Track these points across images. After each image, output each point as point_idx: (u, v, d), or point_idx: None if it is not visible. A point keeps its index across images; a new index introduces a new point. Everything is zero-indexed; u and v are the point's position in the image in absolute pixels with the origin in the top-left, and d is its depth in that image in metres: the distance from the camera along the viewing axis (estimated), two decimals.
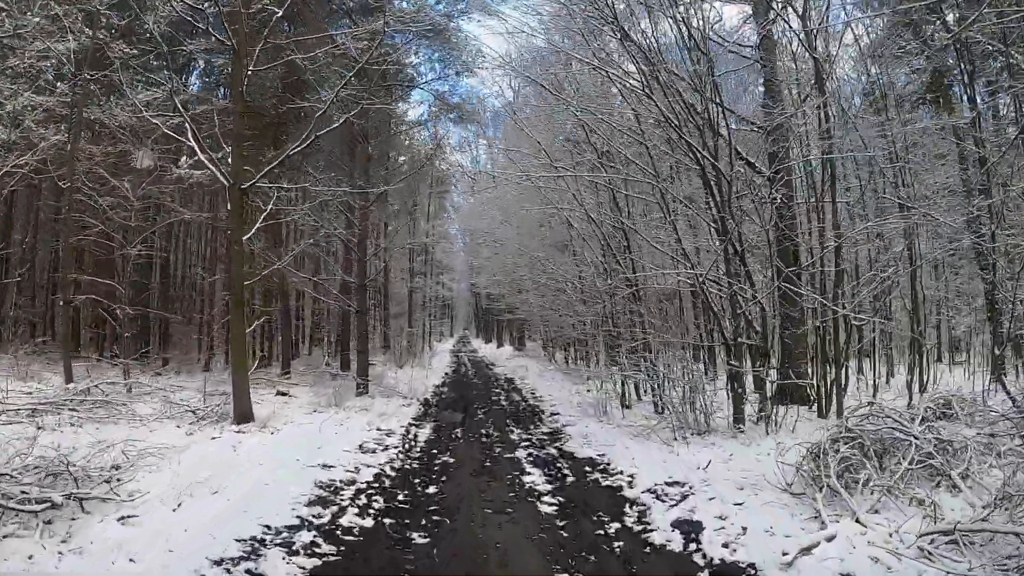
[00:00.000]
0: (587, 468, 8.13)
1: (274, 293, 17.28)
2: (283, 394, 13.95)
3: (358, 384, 13.75)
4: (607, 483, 7.38)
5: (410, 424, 11.29)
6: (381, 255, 26.99)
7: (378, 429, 10.41)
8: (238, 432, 9.62)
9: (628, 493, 6.91)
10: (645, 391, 13.84)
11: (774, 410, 9.44)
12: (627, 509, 6.36)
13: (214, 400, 11.56)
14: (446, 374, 21.99)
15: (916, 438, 6.56)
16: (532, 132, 13.28)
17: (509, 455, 8.95)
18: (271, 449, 8.70)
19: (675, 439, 9.27)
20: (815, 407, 10.55)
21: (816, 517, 5.67)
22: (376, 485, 7.17)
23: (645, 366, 11.01)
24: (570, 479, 7.67)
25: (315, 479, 7.04)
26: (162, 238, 22.39)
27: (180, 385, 17.39)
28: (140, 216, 15.39)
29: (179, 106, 10.37)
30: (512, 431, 10.99)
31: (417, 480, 7.51)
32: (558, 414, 12.63)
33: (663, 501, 6.46)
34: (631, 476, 7.49)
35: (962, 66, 12.76)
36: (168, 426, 10.02)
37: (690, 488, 6.76)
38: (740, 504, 6.10)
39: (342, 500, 6.45)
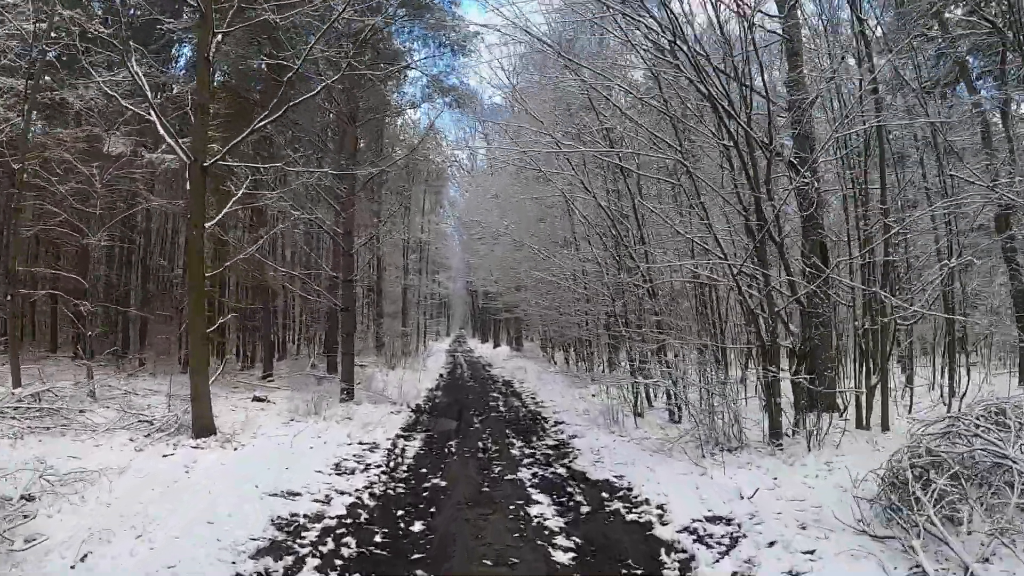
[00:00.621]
0: (604, 495, 6.73)
1: (258, 289, 15.85)
2: (260, 400, 12.51)
3: (343, 389, 12.33)
4: (632, 517, 5.97)
5: (398, 436, 9.87)
6: (373, 250, 25.55)
7: (360, 443, 8.99)
8: (195, 448, 8.19)
9: (661, 532, 5.50)
10: (656, 396, 12.45)
11: (817, 422, 8.06)
12: (664, 557, 4.96)
13: (180, 407, 10.11)
14: (440, 376, 20.55)
15: (1015, 462, 5.18)
16: (535, 111, 11.87)
17: (511, 476, 7.54)
18: (231, 469, 7.29)
19: (703, 456, 7.89)
20: (845, 414, 9.16)
21: (918, 571, 4.30)
22: (349, 521, 5.74)
23: (663, 370, 9.62)
24: (585, 509, 6.27)
25: (273, 513, 5.63)
26: (142, 233, 20.96)
27: (153, 389, 15.94)
28: (108, 204, 13.94)
29: (137, 76, 8.94)
30: (513, 444, 9.59)
31: (401, 512, 6.09)
32: (563, 423, 11.23)
33: (708, 546, 5.06)
34: (661, 507, 6.09)
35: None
36: (119, 439, 8.58)
37: (738, 527, 5.38)
38: (811, 553, 4.71)
39: (302, 545, 5.02)
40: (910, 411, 9.85)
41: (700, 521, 5.59)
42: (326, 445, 8.73)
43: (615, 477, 7.35)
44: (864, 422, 9.01)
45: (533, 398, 14.93)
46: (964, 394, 10.90)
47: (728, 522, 5.56)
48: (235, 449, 8.26)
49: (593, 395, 14.49)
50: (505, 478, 7.41)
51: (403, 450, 8.95)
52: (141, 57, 10.71)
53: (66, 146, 13.68)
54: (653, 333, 11.00)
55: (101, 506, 5.81)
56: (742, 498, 6.19)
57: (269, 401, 12.35)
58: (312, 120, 13.17)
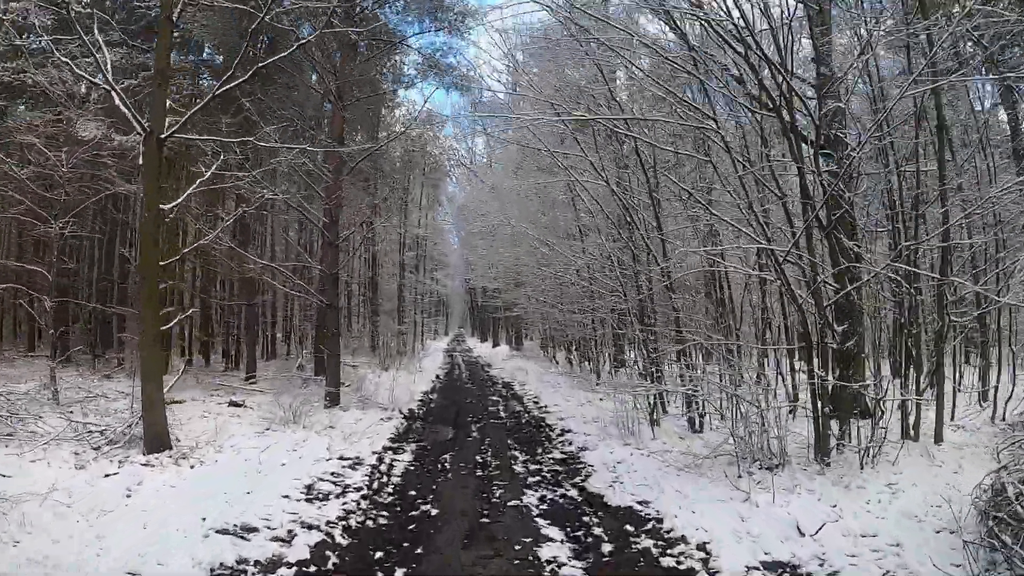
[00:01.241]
0: (629, 528, 5.48)
1: (244, 285, 14.59)
2: (236, 405, 11.25)
3: (327, 394, 11.06)
4: (669, 562, 4.72)
5: (385, 448, 8.61)
6: (368, 246, 24.28)
7: (341, 458, 7.73)
8: (145, 465, 6.93)
9: None
10: (670, 402, 11.20)
11: (872, 434, 6.83)
12: None
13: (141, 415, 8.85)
14: (437, 377, 19.27)
15: None
16: (539, 87, 10.65)
17: (514, 501, 6.29)
18: (180, 494, 6.04)
19: (739, 475, 6.66)
20: (881, 421, 7.92)
21: None
22: (312, 571, 4.48)
23: (688, 374, 8.39)
24: (607, 548, 5.03)
25: (215, 560, 4.38)
26: (120, 225, 19.67)
27: (125, 391, 14.69)
28: (76, 191, 12.67)
29: (95, 45, 7.69)
30: (515, 458, 8.34)
31: (379, 554, 4.83)
32: (570, 431, 9.99)
33: None
34: (703, 548, 4.85)
35: None
36: (62, 452, 7.33)
37: None
38: None
39: None
40: (952, 418, 8.65)
41: (758, 570, 4.36)
42: (301, 461, 7.48)
43: (639, 504, 6.11)
44: (911, 432, 7.76)
45: (536, 402, 13.68)
46: (1009, 396, 9.65)
47: (794, 571, 4.33)
48: (192, 467, 7.00)
49: (601, 399, 13.25)
50: (508, 504, 6.16)
51: (390, 466, 7.69)
52: (105, 26, 9.53)
53: (37, 131, 12.45)
54: (671, 331, 9.77)
55: None
56: (802, 535, 4.96)
57: (246, 407, 11.09)
58: (294, 98, 11.90)
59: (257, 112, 10.65)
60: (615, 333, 16.97)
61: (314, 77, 11.74)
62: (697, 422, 9.48)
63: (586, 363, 19.23)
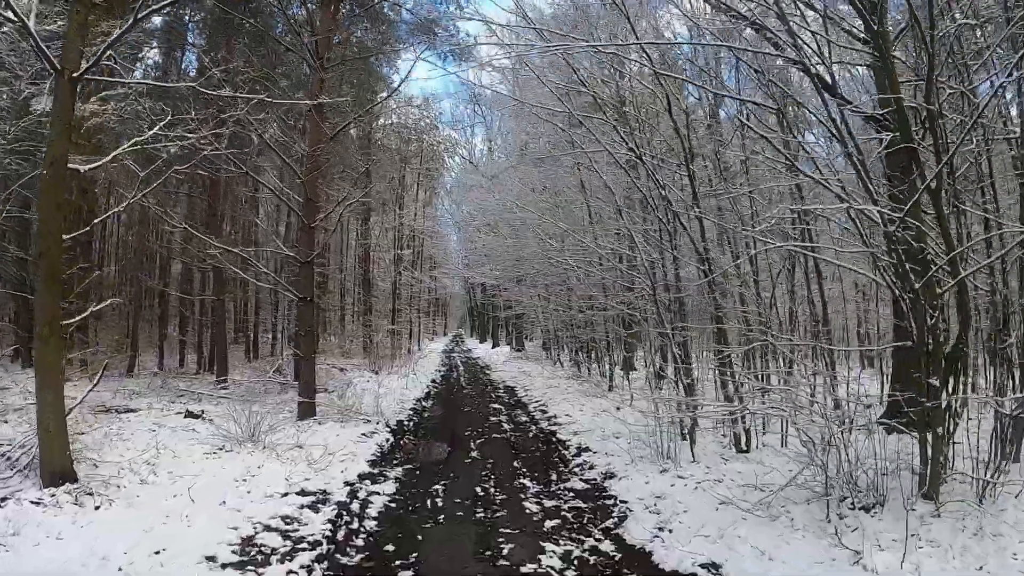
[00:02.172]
0: None
1: (217, 277, 12.81)
2: (193, 416, 9.46)
3: (300, 404, 9.25)
4: None
5: (362, 476, 6.79)
6: (359, 239, 22.52)
7: (302, 492, 5.93)
8: (36, 503, 5.13)
9: None
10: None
11: (998, 465, 5.09)
12: None
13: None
14: (433, 382, 17.41)
15: None
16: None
17: (530, 565, 4.48)
18: (62, 554, 4.24)
19: (827, 518, 4.93)
20: (941, 431, 6.16)
21: None
22: None
23: (760, 387, 6.64)
24: None
25: None
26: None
27: (74, 397, 13.06)
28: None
29: None
30: (525, 488, 6.55)
31: None
32: (589, 451, 8.22)
33: None
34: None
35: None
36: None
37: None
38: None
39: None
40: None
41: None
42: (248, 496, 5.69)
43: (705, 569, 4.31)
44: (1013, 452, 5.97)
45: (543, 411, 11.87)
46: None
47: None
48: (97, 507, 5.19)
49: (619, 408, 11.46)
50: (522, 571, 4.35)
51: (364, 504, 5.88)
52: None
53: None
54: (711, 329, 7.99)
55: None
56: None
57: (204, 418, 9.28)
58: (265, 56, 10.10)
59: (224, 73, 8.87)
60: (627, 333, 15.24)
61: (286, 30, 9.96)
62: (742, 440, 7.71)
63: (594, 366, 17.43)
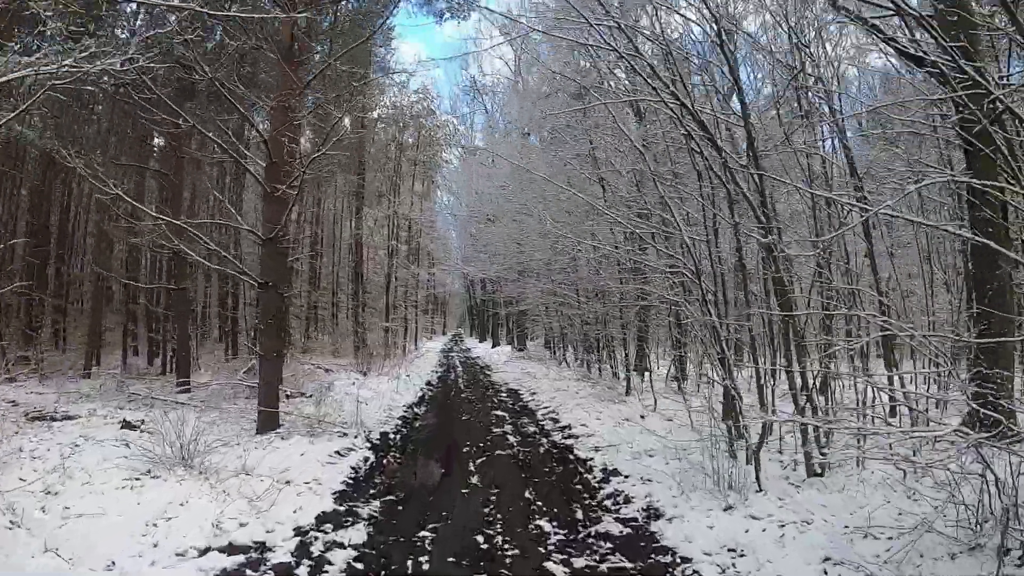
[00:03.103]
0: None
1: (179, 266, 11.00)
2: (130, 427, 7.66)
3: (260, 415, 7.45)
4: None
5: (322, 517, 4.98)
6: (352, 228, 20.73)
7: (229, 547, 4.15)
8: None
9: None
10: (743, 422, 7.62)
11: None
12: None
13: None
14: (428, 384, 15.57)
15: None
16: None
17: None
18: None
19: None
20: None
21: None
22: None
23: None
24: None
25: None
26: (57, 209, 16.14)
27: (19, 400, 11.34)
28: None
29: None
30: (545, 535, 4.78)
31: None
32: (619, 475, 6.47)
33: None
34: None
35: None
36: None
37: None
38: None
39: None
40: None
41: None
42: (153, 553, 3.93)
43: None
44: None
45: (554, 419, 10.09)
46: None
47: None
48: None
49: (643, 416, 9.71)
50: None
51: (318, 567, 4.07)
52: None
53: None
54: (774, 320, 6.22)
55: None
56: None
57: (142, 430, 7.48)
58: None
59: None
60: (638, 330, 13.49)
61: None
62: (816, 461, 5.94)
63: (605, 366, 15.64)
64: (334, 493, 5.55)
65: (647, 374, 13.13)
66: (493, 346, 34.38)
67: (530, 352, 26.31)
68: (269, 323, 7.46)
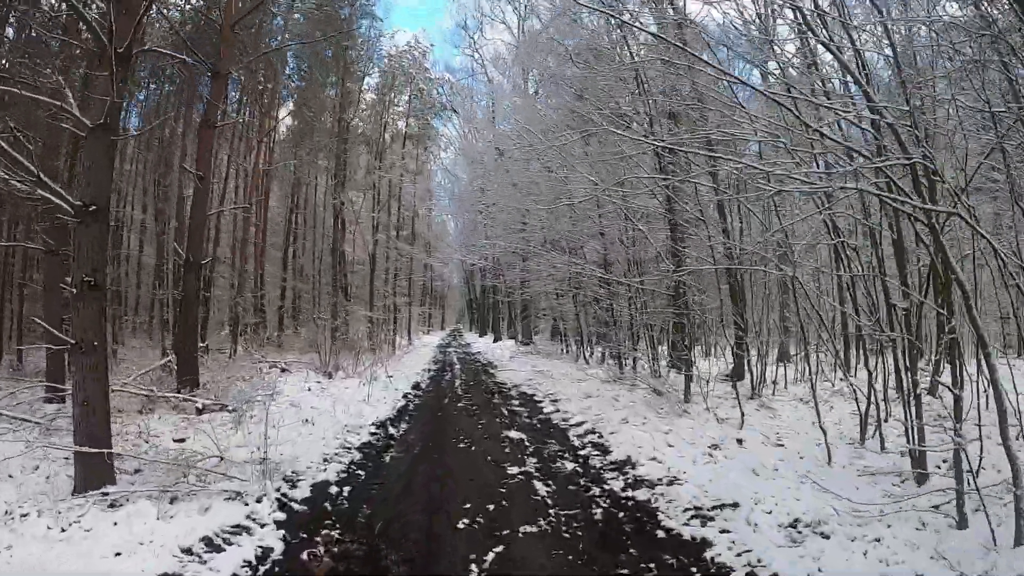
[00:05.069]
0: None
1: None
2: None
3: (78, 459, 3.80)
4: None
5: None
6: (329, 202, 17.14)
7: None
8: None
9: None
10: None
11: None
12: None
13: None
14: (415, 388, 11.72)
15: None
16: None
17: None
18: None
19: None
20: None
21: None
22: None
23: None
24: None
25: None
26: None
27: None
28: None
29: None
30: None
31: None
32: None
33: None
34: None
35: None
36: None
37: None
38: None
39: None
40: None
41: None
42: None
43: None
44: None
45: (599, 445, 6.51)
46: None
47: None
48: None
49: (740, 440, 6.18)
50: None
51: None
52: None
53: None
54: None
55: None
56: None
57: None
58: None
59: None
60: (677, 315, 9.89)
61: None
62: None
63: (642, 365, 12.03)
64: None
65: (693, 370, 9.56)
66: (495, 340, 30.75)
67: (537, 346, 22.68)
68: (86, 283, 3.79)
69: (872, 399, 6.02)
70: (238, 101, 17.41)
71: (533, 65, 15.48)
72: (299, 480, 4.80)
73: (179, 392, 7.58)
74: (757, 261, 7.30)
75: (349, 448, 6.07)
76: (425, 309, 37.21)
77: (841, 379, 8.47)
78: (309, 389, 9.07)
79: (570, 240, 13.42)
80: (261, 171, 17.04)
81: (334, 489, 4.75)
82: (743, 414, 7.27)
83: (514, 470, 5.51)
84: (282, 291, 20.18)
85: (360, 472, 5.28)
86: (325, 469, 5.17)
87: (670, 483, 5.02)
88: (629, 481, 5.19)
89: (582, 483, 5.25)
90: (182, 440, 5.96)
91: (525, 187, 14.44)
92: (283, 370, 11.29)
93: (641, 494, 4.84)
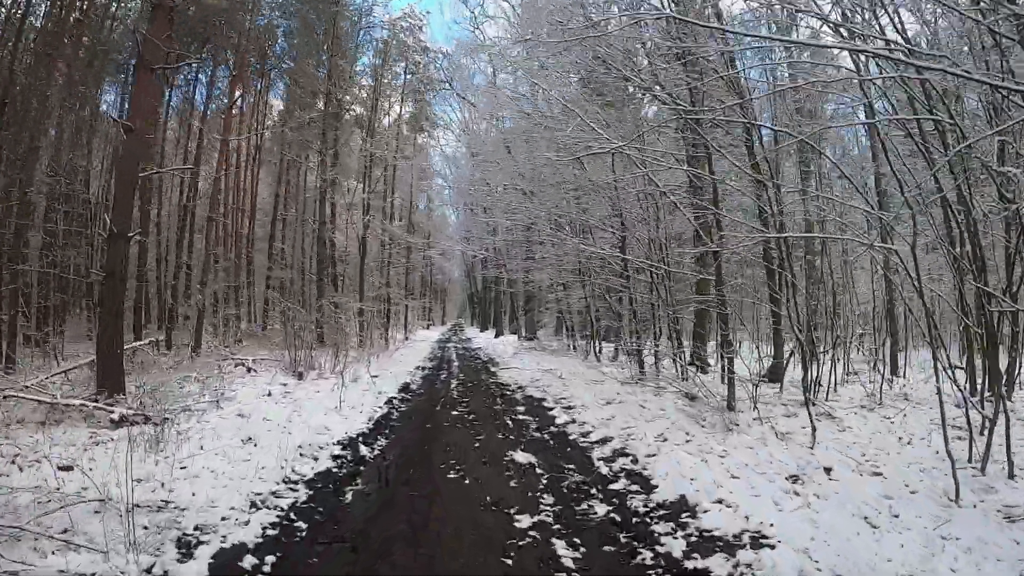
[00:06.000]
0: None
1: None
2: None
3: None
4: None
5: None
6: (319, 176, 15.51)
7: None
8: None
9: None
10: None
11: None
12: None
13: None
14: (404, 390, 9.99)
15: None
16: None
17: None
18: None
19: None
20: None
21: None
22: None
23: None
24: None
25: None
26: None
27: None
28: None
29: None
30: None
31: None
32: None
33: None
34: None
35: None
36: None
37: None
38: None
39: None
40: None
41: None
42: None
43: None
44: None
45: (638, 475, 4.87)
46: None
47: None
48: None
49: (830, 469, 4.52)
50: None
51: None
52: None
53: None
54: None
55: None
56: None
57: None
58: None
59: None
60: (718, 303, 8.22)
61: None
62: None
63: (665, 363, 10.36)
64: None
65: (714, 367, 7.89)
66: (497, 336, 29.13)
67: (542, 342, 21.00)
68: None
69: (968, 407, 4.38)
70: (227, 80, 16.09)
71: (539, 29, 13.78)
72: (199, 543, 3.14)
73: (96, 398, 5.93)
74: (835, 230, 5.66)
75: (296, 483, 4.40)
76: (424, 303, 35.57)
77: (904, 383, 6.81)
78: (269, 394, 7.41)
79: (582, 222, 11.76)
80: (252, 148, 15.46)
81: (248, 562, 3.07)
82: (815, 428, 5.63)
83: (524, 521, 3.84)
84: (267, 281, 18.57)
85: (301, 524, 3.60)
86: (248, 522, 3.49)
87: (755, 545, 3.38)
88: (692, 540, 3.54)
89: (622, 540, 3.59)
90: (68, 468, 4.32)
91: (531, 160, 12.79)
92: (249, 369, 9.63)
93: (716, 565, 3.18)
